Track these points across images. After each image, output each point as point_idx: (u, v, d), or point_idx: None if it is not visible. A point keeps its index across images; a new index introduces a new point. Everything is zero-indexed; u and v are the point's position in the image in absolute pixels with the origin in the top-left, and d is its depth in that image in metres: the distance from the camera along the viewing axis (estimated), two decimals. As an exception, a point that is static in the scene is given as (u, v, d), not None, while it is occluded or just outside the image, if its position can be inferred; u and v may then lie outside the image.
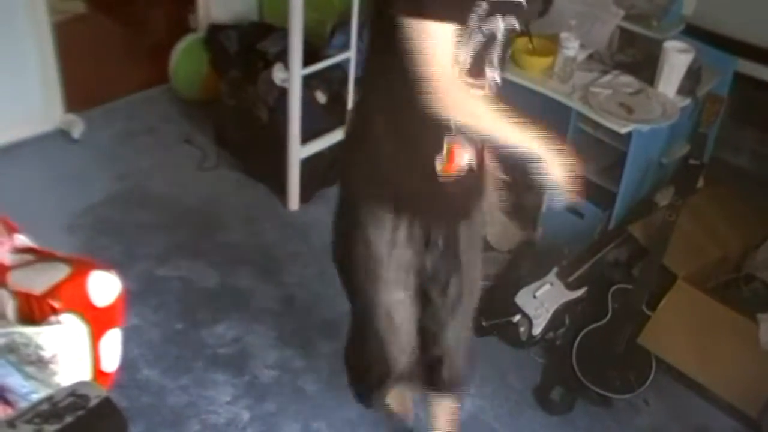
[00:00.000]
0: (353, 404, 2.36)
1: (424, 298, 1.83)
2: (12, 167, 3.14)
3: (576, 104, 2.54)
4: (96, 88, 3.62)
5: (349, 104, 3.10)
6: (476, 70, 1.53)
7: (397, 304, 1.78)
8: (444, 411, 2.10)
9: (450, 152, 1.59)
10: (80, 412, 1.27)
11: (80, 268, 1.82)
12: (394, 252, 1.69)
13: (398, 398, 2.18)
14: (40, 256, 1.90)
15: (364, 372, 1.97)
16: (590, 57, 2.73)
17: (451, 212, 1.74)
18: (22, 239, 1.97)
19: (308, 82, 2.94)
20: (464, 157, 1.62)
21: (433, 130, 1.55)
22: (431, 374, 1.95)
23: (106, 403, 1.30)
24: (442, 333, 1.88)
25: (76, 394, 1.30)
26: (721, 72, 2.73)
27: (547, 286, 2.58)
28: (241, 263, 2.82)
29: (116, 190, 3.11)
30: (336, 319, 2.62)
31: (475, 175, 1.69)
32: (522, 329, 2.54)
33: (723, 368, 2.37)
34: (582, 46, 2.61)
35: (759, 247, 2.61)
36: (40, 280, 1.78)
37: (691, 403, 2.45)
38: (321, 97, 3.11)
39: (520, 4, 1.54)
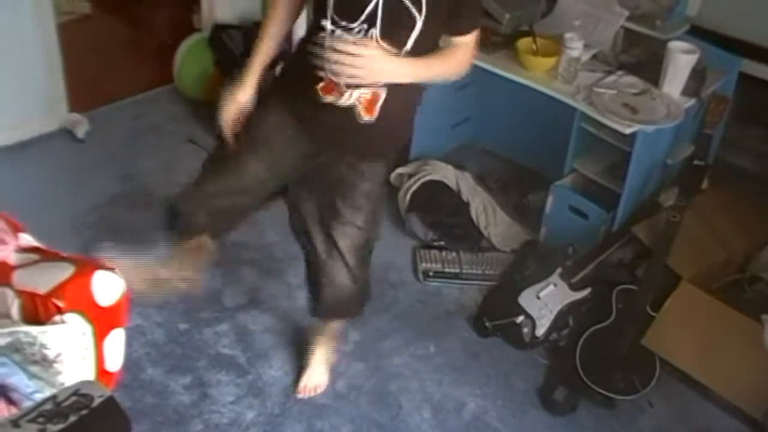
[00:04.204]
0: (354, 404, 2.37)
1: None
2: (17, 166, 3.15)
3: (580, 105, 2.54)
4: (101, 88, 3.62)
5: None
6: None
7: None
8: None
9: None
10: (84, 412, 1.27)
11: (84, 267, 1.82)
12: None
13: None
14: (44, 256, 1.91)
15: None
16: (594, 57, 2.73)
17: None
18: (26, 238, 1.98)
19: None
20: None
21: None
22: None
23: (110, 402, 1.31)
24: None
25: (79, 394, 1.30)
26: (726, 72, 2.73)
27: (550, 287, 2.58)
28: (245, 263, 2.82)
29: (121, 190, 3.11)
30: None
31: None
32: (525, 330, 2.53)
33: (727, 370, 2.36)
34: (586, 47, 2.61)
35: (763, 248, 2.61)
36: (45, 279, 1.78)
37: (695, 404, 2.45)
38: (324, 97, 3.11)
39: None
